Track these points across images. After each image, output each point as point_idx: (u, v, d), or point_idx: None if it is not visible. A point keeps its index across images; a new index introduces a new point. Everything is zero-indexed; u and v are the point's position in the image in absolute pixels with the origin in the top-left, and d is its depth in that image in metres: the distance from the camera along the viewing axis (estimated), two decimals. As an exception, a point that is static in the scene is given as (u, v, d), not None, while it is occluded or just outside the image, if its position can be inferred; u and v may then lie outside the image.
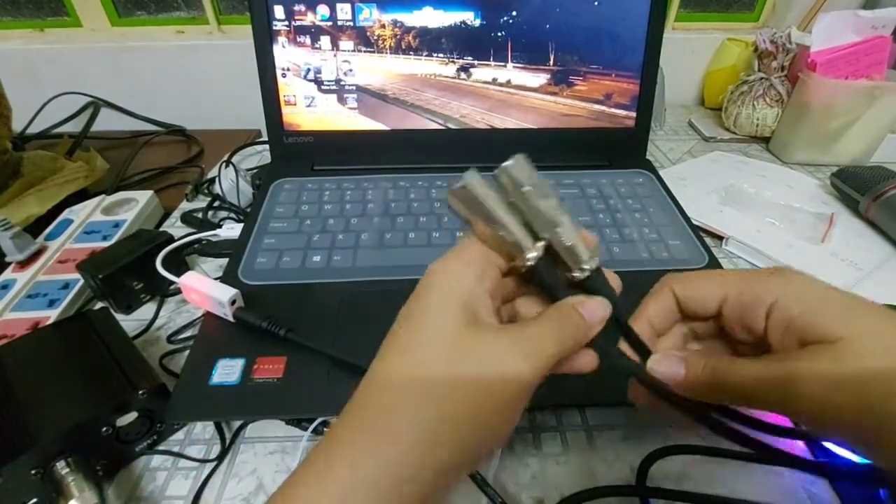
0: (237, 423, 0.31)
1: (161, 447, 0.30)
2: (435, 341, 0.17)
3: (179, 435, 0.31)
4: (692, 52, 0.76)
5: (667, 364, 0.19)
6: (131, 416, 0.28)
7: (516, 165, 0.18)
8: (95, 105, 0.70)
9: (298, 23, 0.46)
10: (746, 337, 0.20)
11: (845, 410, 0.16)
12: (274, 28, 0.46)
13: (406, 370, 0.16)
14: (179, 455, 0.29)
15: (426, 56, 0.48)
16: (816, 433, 0.19)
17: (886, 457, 0.16)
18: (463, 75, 0.49)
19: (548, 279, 0.19)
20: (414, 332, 0.17)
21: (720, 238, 0.47)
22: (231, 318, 0.32)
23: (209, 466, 0.29)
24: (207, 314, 0.34)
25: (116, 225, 0.46)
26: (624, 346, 0.21)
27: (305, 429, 0.30)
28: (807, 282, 0.18)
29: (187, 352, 0.32)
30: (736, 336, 0.20)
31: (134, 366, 0.29)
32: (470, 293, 0.17)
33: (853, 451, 0.19)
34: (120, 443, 0.28)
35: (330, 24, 0.46)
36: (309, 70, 0.48)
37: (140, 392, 0.27)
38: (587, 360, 0.19)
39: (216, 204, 0.51)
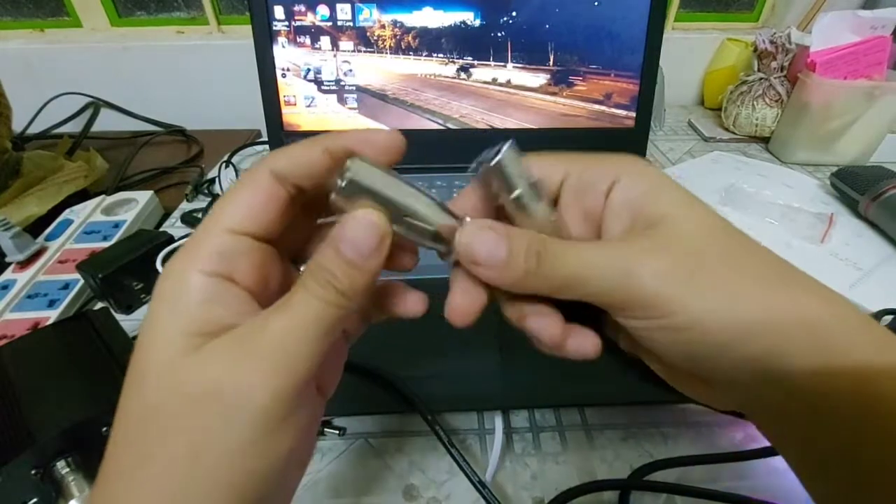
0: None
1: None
2: (154, 385, 0.14)
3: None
4: (692, 52, 0.77)
5: (482, 239, 0.15)
6: None
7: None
8: (95, 105, 0.70)
9: (298, 23, 0.46)
10: (583, 229, 0.18)
11: (675, 283, 0.14)
12: (274, 28, 0.46)
13: (135, 410, 0.14)
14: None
15: (426, 56, 0.48)
16: (654, 343, 0.16)
17: (718, 377, 0.15)
18: (463, 75, 0.49)
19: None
20: (137, 374, 0.14)
21: (720, 238, 0.47)
22: (231, 318, 0.32)
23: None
24: (207, 314, 0.34)
25: (116, 225, 0.46)
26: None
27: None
28: (648, 167, 0.17)
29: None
30: (574, 227, 0.18)
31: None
32: (195, 305, 0.14)
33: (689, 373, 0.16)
34: None
35: (330, 24, 0.46)
36: (309, 70, 0.48)
37: None
38: (412, 301, 0.17)
39: (216, 204, 0.51)
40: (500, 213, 0.17)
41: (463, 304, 0.16)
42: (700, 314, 0.14)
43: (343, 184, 0.14)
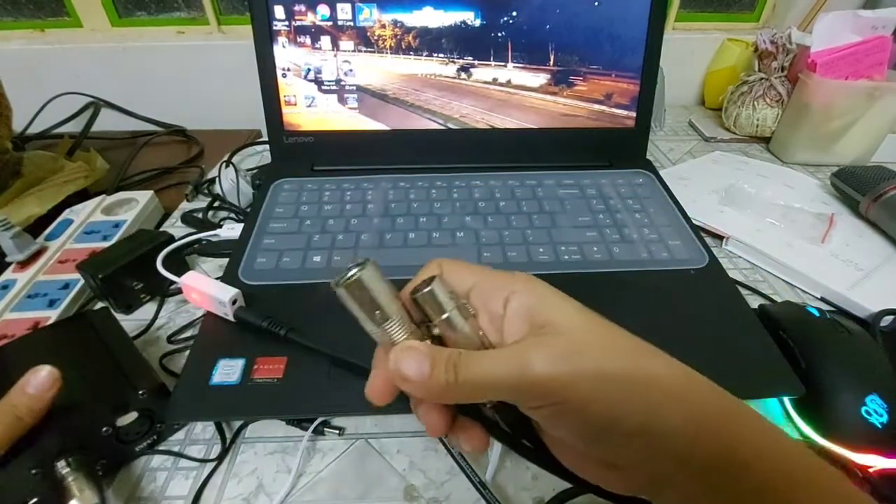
0: (237, 423, 0.31)
1: (161, 447, 0.30)
2: None
3: (180, 435, 0.31)
4: (692, 53, 0.76)
5: (411, 359, 0.17)
6: (131, 417, 0.28)
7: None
8: (96, 105, 0.70)
9: (299, 23, 0.46)
10: (489, 331, 0.20)
11: (562, 365, 0.17)
12: (274, 28, 0.46)
13: None
14: (180, 455, 0.29)
15: (426, 56, 0.48)
16: (557, 430, 0.18)
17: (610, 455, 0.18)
18: (463, 75, 0.49)
19: None
20: None
21: (720, 238, 0.47)
22: (231, 318, 0.32)
23: (209, 466, 0.29)
24: (208, 314, 0.34)
25: (117, 225, 0.46)
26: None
27: (306, 429, 0.30)
28: (538, 282, 0.20)
29: (187, 352, 0.32)
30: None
31: (134, 366, 0.29)
32: None
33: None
34: (120, 442, 0.28)
35: (330, 24, 0.46)
36: (309, 70, 0.48)
37: (140, 392, 0.27)
38: None
39: (216, 204, 0.51)
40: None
41: (383, 388, 0.20)
42: (587, 392, 0.16)
43: (351, 279, 0.19)
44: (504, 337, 0.19)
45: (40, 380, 0.24)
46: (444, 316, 0.19)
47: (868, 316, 0.38)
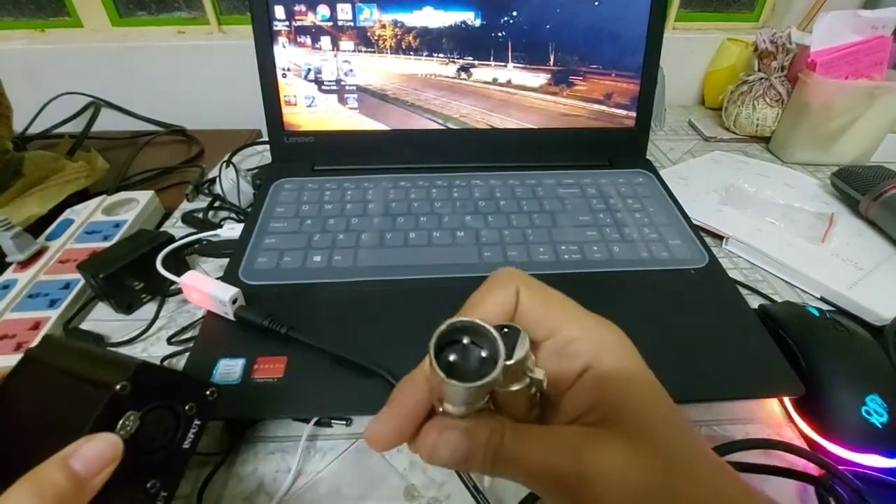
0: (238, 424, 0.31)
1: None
2: None
3: (180, 434, 0.31)
4: (692, 52, 0.76)
5: (447, 442, 0.14)
6: (133, 419, 0.21)
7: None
8: (96, 105, 0.70)
9: (299, 23, 0.46)
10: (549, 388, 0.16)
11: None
12: (274, 28, 0.46)
13: None
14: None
15: (426, 56, 0.48)
16: None
17: None
18: (463, 75, 0.49)
19: None
20: None
21: (720, 238, 0.47)
22: (232, 317, 0.32)
23: (210, 466, 0.29)
24: (208, 314, 0.34)
25: (117, 225, 0.46)
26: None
27: (307, 421, 0.30)
28: (636, 356, 0.15)
29: (187, 354, 0.32)
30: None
31: (101, 369, 0.22)
32: None
33: None
34: (145, 452, 0.21)
35: (330, 24, 0.46)
36: (309, 70, 0.48)
37: (118, 386, 0.20)
38: None
39: (217, 204, 0.51)
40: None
41: (393, 437, 0.16)
42: None
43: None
44: (563, 404, 0.15)
45: (96, 452, 0.16)
46: (515, 388, 0.15)
47: (876, 319, 0.37)
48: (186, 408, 0.23)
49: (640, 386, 0.15)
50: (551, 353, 0.16)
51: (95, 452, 0.16)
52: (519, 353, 0.14)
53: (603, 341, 0.16)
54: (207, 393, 0.23)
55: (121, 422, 0.20)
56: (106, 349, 0.25)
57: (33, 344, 0.31)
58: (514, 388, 0.15)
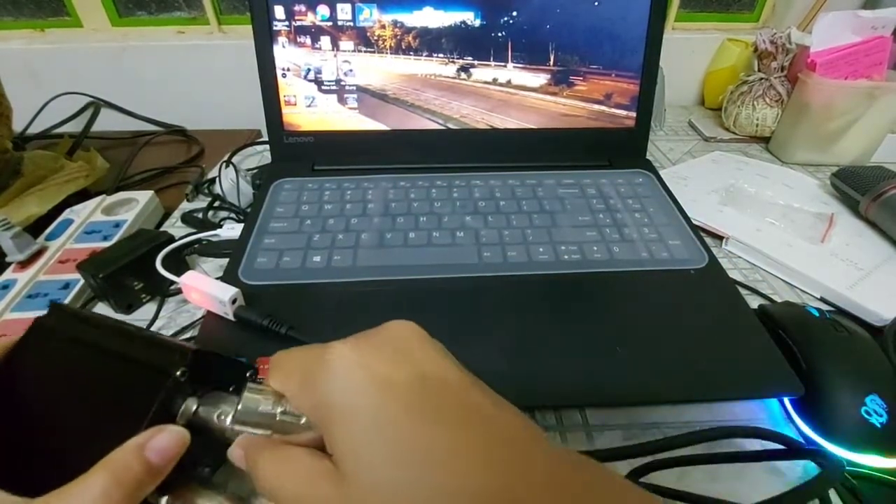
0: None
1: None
2: None
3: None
4: (692, 52, 0.77)
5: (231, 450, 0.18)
6: (191, 405, 0.20)
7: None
8: (96, 105, 0.70)
9: (299, 23, 0.46)
10: None
11: None
12: (274, 28, 0.46)
13: None
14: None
15: (426, 56, 0.48)
16: None
17: None
18: (463, 75, 0.49)
19: None
20: None
21: (720, 238, 0.47)
22: (232, 317, 0.32)
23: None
24: (208, 314, 0.34)
25: (117, 225, 0.46)
26: None
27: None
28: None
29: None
30: None
31: (155, 352, 0.20)
32: None
33: None
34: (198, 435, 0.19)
35: (330, 24, 0.46)
36: (309, 70, 0.48)
37: (178, 372, 0.19)
38: None
39: (216, 204, 0.51)
40: None
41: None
42: None
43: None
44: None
45: (170, 444, 0.17)
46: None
47: (876, 320, 0.37)
48: (230, 389, 0.22)
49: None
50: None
51: (169, 444, 0.17)
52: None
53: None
54: (247, 375, 0.23)
55: (182, 409, 0.20)
56: (143, 329, 0.23)
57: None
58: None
